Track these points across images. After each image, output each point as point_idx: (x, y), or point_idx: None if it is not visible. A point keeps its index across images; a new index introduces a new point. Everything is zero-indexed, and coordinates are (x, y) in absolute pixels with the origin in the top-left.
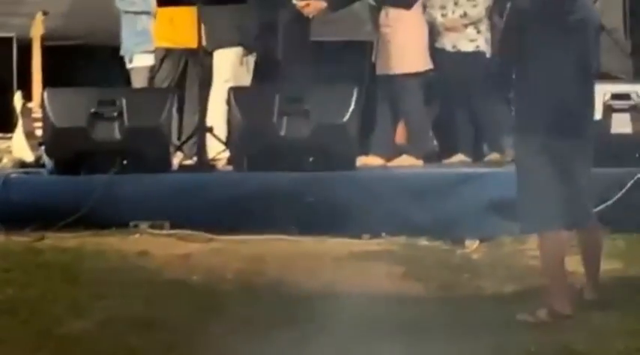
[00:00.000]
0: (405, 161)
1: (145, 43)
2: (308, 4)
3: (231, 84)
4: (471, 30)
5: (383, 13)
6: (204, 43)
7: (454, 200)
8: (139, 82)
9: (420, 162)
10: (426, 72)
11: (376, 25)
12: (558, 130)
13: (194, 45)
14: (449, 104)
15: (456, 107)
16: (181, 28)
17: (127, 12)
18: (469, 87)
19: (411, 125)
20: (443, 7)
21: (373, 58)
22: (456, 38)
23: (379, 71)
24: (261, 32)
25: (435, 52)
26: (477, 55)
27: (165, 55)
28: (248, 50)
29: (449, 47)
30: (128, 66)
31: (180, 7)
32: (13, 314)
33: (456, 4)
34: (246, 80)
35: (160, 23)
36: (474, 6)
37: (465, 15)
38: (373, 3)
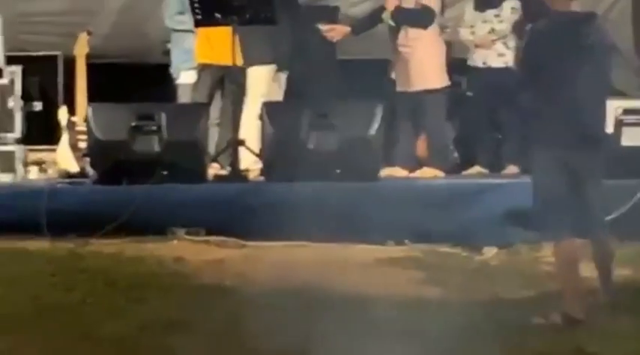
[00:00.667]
0: (427, 173)
1: (190, 61)
2: (332, 29)
3: (264, 99)
4: (499, 45)
5: (402, 33)
6: (238, 60)
7: (473, 209)
8: (185, 97)
9: (442, 174)
10: (444, 88)
11: (394, 44)
12: (573, 144)
13: (229, 62)
14: (474, 118)
15: (481, 121)
16: (218, 46)
17: (176, 30)
18: (497, 101)
19: (431, 138)
20: (472, 26)
21: (393, 75)
22: (485, 54)
23: (400, 88)
24: (292, 51)
25: (468, 69)
26: (506, 70)
27: (202, 70)
28: (280, 67)
29: (480, 63)
30: (176, 82)
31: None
32: (57, 316)
33: (484, 21)
34: (278, 96)
35: (198, 41)
36: (500, 21)
37: (492, 31)
38: (392, 23)
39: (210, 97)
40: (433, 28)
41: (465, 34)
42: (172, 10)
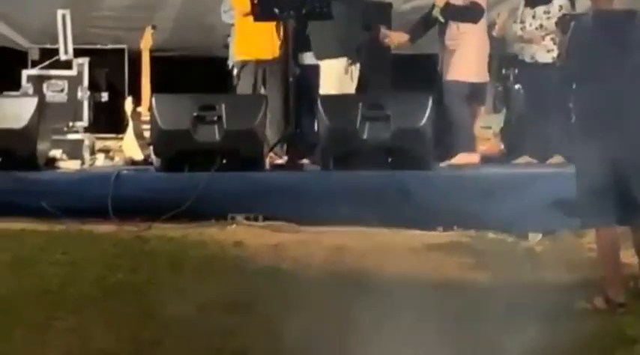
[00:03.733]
0: (462, 159)
1: None
2: (390, 36)
3: (336, 92)
4: (548, 41)
5: (452, 28)
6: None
7: (519, 197)
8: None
9: (476, 158)
10: (476, 83)
11: (442, 39)
12: (614, 135)
13: (269, 56)
14: (522, 110)
15: (528, 112)
16: (257, 42)
17: (232, 25)
18: (544, 94)
19: (455, 127)
20: (522, 22)
21: (439, 68)
22: (534, 50)
23: (446, 78)
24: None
25: (517, 64)
26: (553, 65)
27: (243, 67)
28: (352, 60)
29: (528, 58)
30: (234, 73)
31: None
32: (122, 296)
33: (533, 17)
34: (350, 88)
35: (237, 39)
36: (549, 18)
37: (540, 27)
38: (442, 19)
39: (254, 92)
40: (481, 24)
41: (515, 29)
42: (227, 6)
